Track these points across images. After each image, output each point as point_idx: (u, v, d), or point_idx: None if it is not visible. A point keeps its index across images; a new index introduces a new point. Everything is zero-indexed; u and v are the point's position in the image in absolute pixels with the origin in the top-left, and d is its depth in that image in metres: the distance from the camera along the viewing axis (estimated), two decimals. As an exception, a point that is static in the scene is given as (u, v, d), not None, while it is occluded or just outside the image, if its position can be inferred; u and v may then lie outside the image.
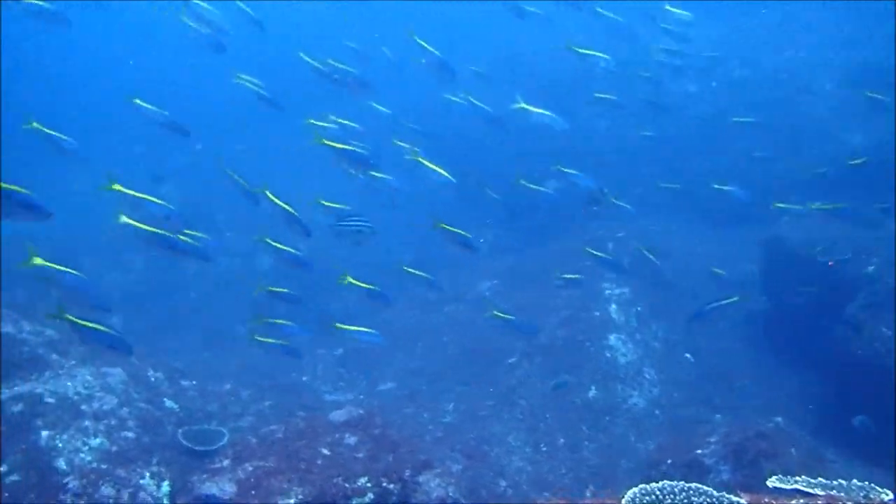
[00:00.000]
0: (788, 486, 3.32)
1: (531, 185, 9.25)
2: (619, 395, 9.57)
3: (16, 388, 7.01)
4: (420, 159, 7.52)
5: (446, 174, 7.53)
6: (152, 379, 8.53)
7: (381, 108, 10.69)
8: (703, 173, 13.46)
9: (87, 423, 6.89)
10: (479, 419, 9.07)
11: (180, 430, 7.49)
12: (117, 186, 6.37)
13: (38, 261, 5.76)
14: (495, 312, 8.16)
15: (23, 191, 5.14)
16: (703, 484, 7.34)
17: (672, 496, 2.93)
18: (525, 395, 9.45)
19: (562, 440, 8.95)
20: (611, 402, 9.49)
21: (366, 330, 7.44)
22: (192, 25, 8.99)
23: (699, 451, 7.64)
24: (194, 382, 8.97)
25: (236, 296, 12.34)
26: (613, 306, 10.68)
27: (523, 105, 8.64)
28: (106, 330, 5.78)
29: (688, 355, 10.25)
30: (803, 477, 3.43)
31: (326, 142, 7.40)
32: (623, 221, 11.72)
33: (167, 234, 6.31)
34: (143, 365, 8.72)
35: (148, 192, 6.83)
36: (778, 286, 10.68)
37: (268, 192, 7.28)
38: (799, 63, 15.47)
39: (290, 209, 7.26)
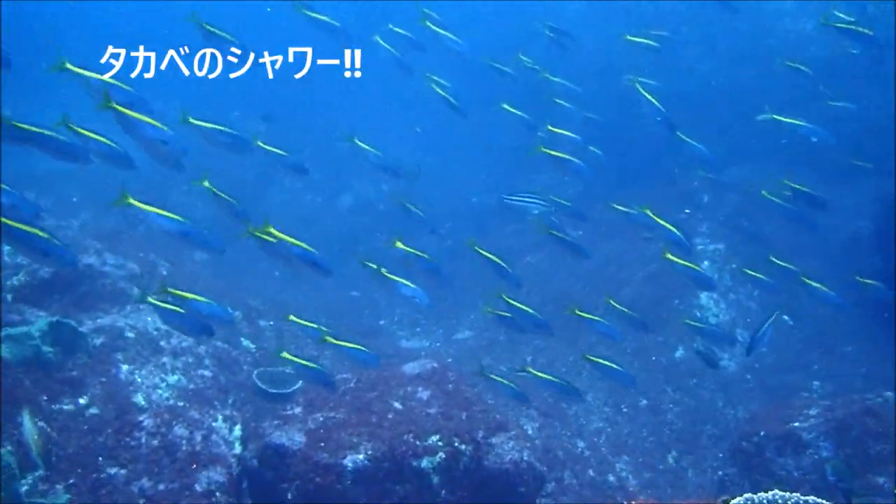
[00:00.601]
0: (925, 499, 2.82)
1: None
2: (708, 357, 9.04)
3: (98, 321, 7.08)
4: (648, 212, 7.58)
5: (673, 229, 7.46)
6: (230, 317, 8.55)
7: (564, 103, 10.12)
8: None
9: (165, 359, 6.92)
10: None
11: (255, 372, 7.47)
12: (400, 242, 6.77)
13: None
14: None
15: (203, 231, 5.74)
16: (802, 454, 6.85)
17: (787, 509, 2.49)
18: (606, 352, 9.01)
19: (644, 401, 8.54)
20: (698, 363, 8.95)
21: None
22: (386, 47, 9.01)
23: (796, 424, 7.11)
24: (271, 323, 8.96)
25: (317, 235, 12.26)
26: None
27: (774, 116, 8.27)
28: (315, 367, 6.07)
29: (786, 317, 9.53)
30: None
31: (545, 149, 7.55)
32: (717, 170, 10.86)
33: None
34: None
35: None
36: (892, 246, 9.73)
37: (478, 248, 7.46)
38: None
39: (496, 258, 7.55)
